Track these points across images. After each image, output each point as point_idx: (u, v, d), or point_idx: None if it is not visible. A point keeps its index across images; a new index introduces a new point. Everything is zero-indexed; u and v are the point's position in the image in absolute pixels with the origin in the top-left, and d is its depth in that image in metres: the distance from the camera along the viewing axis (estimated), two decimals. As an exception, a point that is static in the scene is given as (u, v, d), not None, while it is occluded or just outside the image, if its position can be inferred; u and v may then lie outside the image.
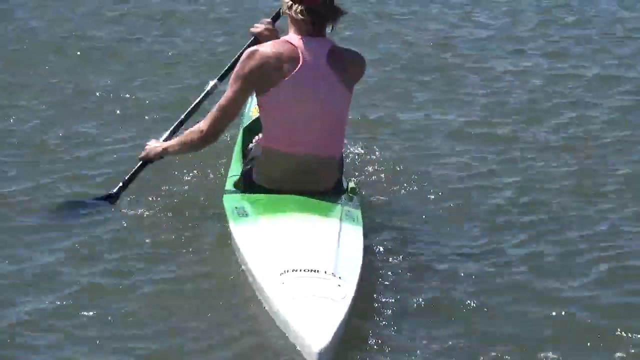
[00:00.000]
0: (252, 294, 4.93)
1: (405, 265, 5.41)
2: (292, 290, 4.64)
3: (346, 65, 5.47)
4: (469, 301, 5.01)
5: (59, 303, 4.92)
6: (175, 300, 5.01)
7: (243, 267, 5.15)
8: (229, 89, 5.51)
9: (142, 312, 4.89)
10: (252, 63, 5.39)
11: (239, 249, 5.20)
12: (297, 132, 5.47)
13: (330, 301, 4.57)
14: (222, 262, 5.38)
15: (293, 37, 5.41)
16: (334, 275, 4.76)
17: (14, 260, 5.37)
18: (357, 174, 6.64)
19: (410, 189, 6.46)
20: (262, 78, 5.41)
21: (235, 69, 5.50)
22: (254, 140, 5.94)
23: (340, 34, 7.52)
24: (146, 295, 5.06)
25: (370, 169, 6.78)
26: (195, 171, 6.54)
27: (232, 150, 6.43)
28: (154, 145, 5.94)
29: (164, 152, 5.88)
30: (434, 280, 5.27)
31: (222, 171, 6.43)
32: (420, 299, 5.03)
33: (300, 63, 5.38)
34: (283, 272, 4.77)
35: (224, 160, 6.57)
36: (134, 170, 6.06)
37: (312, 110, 5.44)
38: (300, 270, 4.77)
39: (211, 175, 6.53)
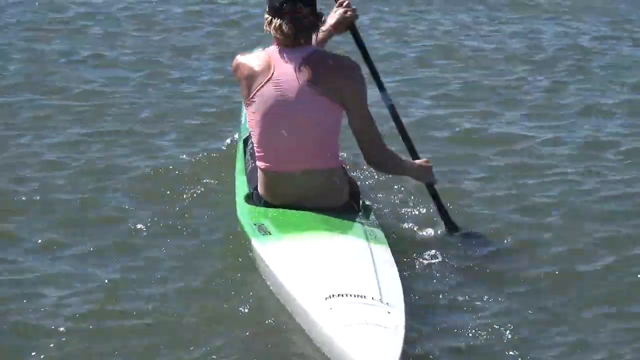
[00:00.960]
0: (287, 319, 4.68)
1: (432, 287, 5.24)
2: (343, 316, 4.40)
3: (325, 72, 5.16)
4: (511, 326, 4.86)
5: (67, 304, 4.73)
6: (202, 332, 4.76)
7: (273, 288, 4.89)
8: None
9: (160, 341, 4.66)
10: (235, 71, 5.29)
11: (270, 271, 4.93)
12: (281, 149, 5.24)
13: (384, 329, 4.34)
14: (247, 283, 5.10)
15: (272, 49, 5.21)
16: (382, 302, 4.53)
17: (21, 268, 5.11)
18: (366, 190, 6.40)
19: (421, 205, 6.24)
20: (242, 87, 5.26)
21: None
22: (249, 156, 5.74)
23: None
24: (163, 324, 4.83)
25: (375, 185, 6.55)
26: (196, 183, 6.26)
27: (233, 160, 6.18)
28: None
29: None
30: (467, 301, 5.11)
31: (227, 181, 6.16)
32: (460, 324, 4.87)
33: (270, 75, 5.16)
34: (329, 296, 4.52)
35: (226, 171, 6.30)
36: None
37: (287, 124, 5.20)
38: (348, 296, 4.53)
39: (215, 186, 6.29)
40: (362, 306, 4.48)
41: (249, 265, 5.20)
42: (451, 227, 5.78)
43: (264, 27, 5.20)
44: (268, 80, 5.14)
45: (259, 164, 5.30)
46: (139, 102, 7.94)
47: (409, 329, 4.53)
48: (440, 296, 5.13)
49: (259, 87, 5.15)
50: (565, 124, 7.65)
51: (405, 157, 5.62)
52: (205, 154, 6.82)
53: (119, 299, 4.96)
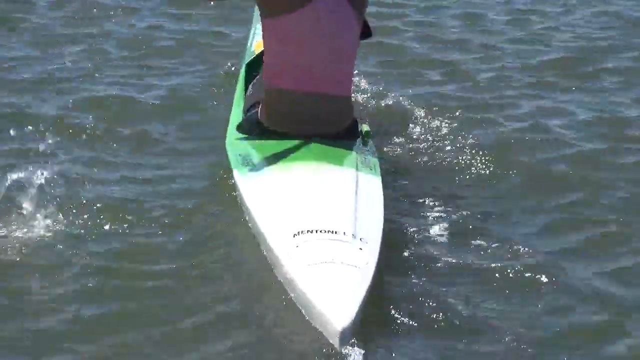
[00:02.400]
0: (263, 259, 4.37)
1: (425, 224, 4.86)
2: (308, 255, 4.08)
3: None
4: (496, 264, 4.49)
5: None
6: (176, 266, 4.46)
7: (251, 225, 4.59)
8: None
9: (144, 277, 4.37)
10: None
11: (245, 205, 4.64)
12: (302, 67, 4.96)
13: (353, 268, 4.02)
14: (228, 221, 4.80)
15: None
16: (354, 237, 4.20)
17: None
18: (370, 115, 6.04)
19: (429, 133, 5.86)
20: (267, 3, 4.95)
21: None
22: (255, 79, 5.39)
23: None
24: (148, 259, 4.52)
25: (383, 110, 6.19)
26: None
27: (233, 92, 5.87)
28: None
29: None
30: (459, 243, 4.69)
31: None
32: (445, 265, 4.50)
33: None
34: (297, 233, 4.21)
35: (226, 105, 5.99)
36: None
37: (319, 44, 4.94)
38: (317, 232, 4.21)
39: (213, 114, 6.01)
40: (331, 242, 4.16)
41: (230, 199, 4.91)
42: None
43: None
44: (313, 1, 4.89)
45: (274, 82, 5.00)
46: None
47: (385, 267, 4.22)
48: (429, 239, 4.72)
49: (302, 7, 4.89)
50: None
51: None
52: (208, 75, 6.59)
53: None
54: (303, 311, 3.95)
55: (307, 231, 4.21)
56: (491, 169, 5.44)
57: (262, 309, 4.13)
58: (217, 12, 8.10)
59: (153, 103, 6.25)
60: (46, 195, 4.70)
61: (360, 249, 4.14)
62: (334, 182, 4.70)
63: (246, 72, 5.91)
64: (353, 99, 5.44)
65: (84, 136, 5.69)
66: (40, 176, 4.70)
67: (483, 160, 5.51)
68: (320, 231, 4.21)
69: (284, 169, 4.77)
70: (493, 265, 4.46)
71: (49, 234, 4.57)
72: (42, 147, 5.10)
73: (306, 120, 5.00)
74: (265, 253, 4.37)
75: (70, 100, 6.20)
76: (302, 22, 4.90)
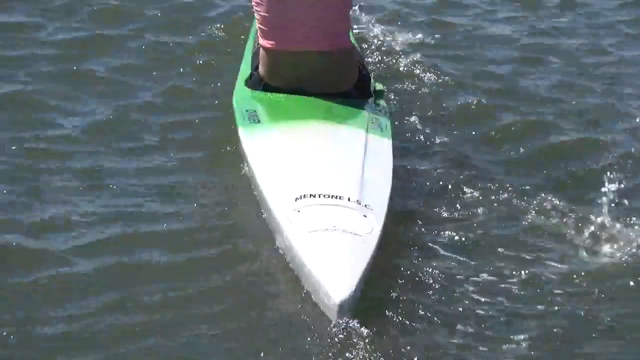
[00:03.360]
0: (264, 223, 4.18)
1: (435, 190, 4.64)
2: (309, 220, 3.89)
3: None
4: (501, 236, 4.28)
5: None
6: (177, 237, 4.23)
7: (252, 186, 4.39)
8: None
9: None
10: None
11: (248, 164, 4.44)
12: (288, 25, 4.77)
13: (355, 237, 3.82)
14: (230, 182, 4.60)
15: None
16: (359, 204, 4.00)
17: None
18: (384, 72, 5.80)
19: (448, 95, 5.61)
20: None
21: None
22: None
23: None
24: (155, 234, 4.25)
25: (400, 65, 5.94)
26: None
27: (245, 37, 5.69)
28: None
29: None
30: (468, 213, 4.46)
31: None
32: (452, 235, 4.27)
33: None
34: (299, 197, 4.01)
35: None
36: None
37: None
38: (320, 196, 4.01)
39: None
40: (334, 208, 3.96)
41: (235, 157, 4.71)
42: None
43: None
44: None
45: (265, 42, 4.83)
46: None
47: (389, 235, 4.01)
48: (438, 212, 4.45)
49: None
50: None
51: None
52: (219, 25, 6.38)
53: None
54: (301, 280, 3.76)
55: (310, 195, 4.01)
56: (510, 146, 5.12)
57: (259, 280, 3.92)
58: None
59: (165, 56, 6.05)
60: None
61: (365, 216, 3.94)
62: (340, 143, 4.50)
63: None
64: (368, 58, 5.22)
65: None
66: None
67: (504, 137, 5.22)
68: (324, 196, 4.01)
69: (290, 127, 4.58)
70: (504, 245, 4.24)
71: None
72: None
73: (305, 80, 4.80)
74: (265, 216, 4.18)
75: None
76: None
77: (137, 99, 5.44)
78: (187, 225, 4.24)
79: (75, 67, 5.72)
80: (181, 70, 5.81)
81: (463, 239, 4.24)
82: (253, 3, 4.85)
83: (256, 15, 4.86)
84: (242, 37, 6.00)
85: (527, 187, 4.66)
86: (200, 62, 5.93)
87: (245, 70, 5.22)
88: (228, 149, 4.81)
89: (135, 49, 6.06)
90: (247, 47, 5.55)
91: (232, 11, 6.77)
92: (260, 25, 4.83)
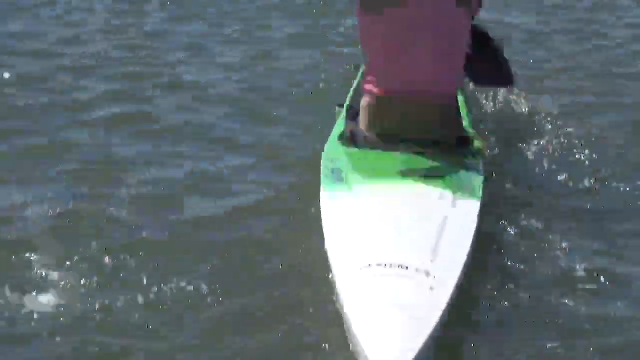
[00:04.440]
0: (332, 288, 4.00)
1: (522, 268, 4.32)
2: (369, 292, 3.67)
3: None
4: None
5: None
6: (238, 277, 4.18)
7: (325, 249, 4.21)
8: None
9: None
10: None
11: (323, 224, 4.26)
12: (402, 69, 4.63)
13: (412, 314, 3.56)
14: (306, 238, 4.45)
15: None
16: (428, 275, 3.77)
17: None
18: (486, 127, 5.54)
19: (557, 157, 5.31)
20: (366, 6, 4.68)
21: None
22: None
23: None
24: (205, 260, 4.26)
25: (506, 120, 5.68)
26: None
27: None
28: None
29: None
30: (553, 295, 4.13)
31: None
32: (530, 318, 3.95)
33: None
34: (366, 266, 3.81)
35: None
36: None
37: (419, 41, 4.61)
38: (388, 266, 3.79)
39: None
40: (398, 279, 3.74)
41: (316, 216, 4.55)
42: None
43: None
44: None
45: (373, 87, 4.70)
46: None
47: (457, 312, 3.76)
48: (524, 282, 4.17)
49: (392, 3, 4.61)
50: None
51: None
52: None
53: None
54: (354, 350, 3.55)
55: (377, 265, 3.81)
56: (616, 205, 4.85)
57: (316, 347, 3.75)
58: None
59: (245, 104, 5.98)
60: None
61: (431, 288, 3.71)
62: (423, 207, 4.29)
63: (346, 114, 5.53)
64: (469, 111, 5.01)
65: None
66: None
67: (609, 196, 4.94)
68: (391, 265, 3.80)
69: (374, 188, 4.40)
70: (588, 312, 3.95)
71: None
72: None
73: (404, 125, 4.65)
74: (333, 283, 3.99)
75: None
76: (397, 19, 4.59)
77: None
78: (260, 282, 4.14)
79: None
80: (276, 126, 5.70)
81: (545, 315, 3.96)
82: (361, 45, 4.75)
83: (366, 60, 4.73)
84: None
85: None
86: (294, 117, 5.82)
87: (339, 125, 5.08)
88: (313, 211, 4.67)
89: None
90: (334, 130, 5.39)
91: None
92: (370, 69, 4.70)
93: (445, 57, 4.65)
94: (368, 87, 4.73)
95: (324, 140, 5.02)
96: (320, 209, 4.40)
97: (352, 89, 5.69)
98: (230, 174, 5.20)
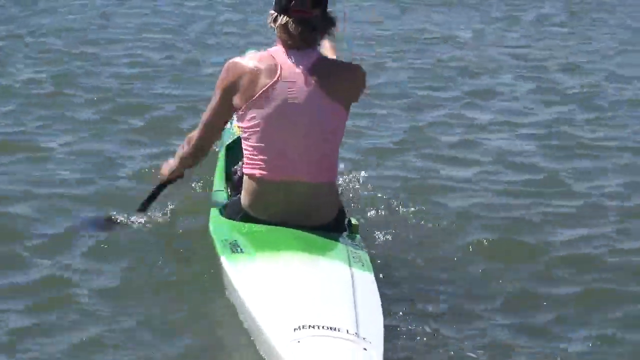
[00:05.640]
0: (252, 352, 4.12)
1: (419, 322, 4.67)
2: (311, 352, 3.85)
3: (335, 77, 4.78)
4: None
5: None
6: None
7: (243, 317, 4.34)
8: (211, 101, 4.91)
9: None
10: (229, 75, 4.79)
11: (237, 295, 4.39)
12: (280, 155, 4.76)
13: None
14: (212, 307, 4.56)
15: (276, 50, 4.78)
16: (358, 336, 3.98)
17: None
18: (352, 205, 5.85)
19: (414, 221, 5.69)
20: (238, 92, 4.76)
21: (217, 81, 4.87)
22: (239, 164, 5.20)
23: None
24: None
25: (365, 198, 6.00)
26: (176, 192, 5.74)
27: (213, 168, 5.66)
28: (164, 167, 5.39)
29: (173, 173, 5.33)
30: (455, 338, 4.53)
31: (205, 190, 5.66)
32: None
33: (277, 76, 4.70)
34: (298, 327, 3.97)
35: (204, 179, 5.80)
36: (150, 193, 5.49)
37: (294, 129, 4.74)
38: (320, 328, 3.98)
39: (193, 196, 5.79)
40: (334, 340, 3.93)
41: (217, 286, 4.66)
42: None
43: (268, 23, 4.79)
44: (275, 82, 4.69)
45: (253, 171, 4.80)
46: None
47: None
48: (428, 332, 4.55)
49: (264, 89, 4.70)
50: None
51: None
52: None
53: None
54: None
55: (309, 326, 3.98)
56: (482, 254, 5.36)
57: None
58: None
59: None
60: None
61: (365, 349, 3.92)
62: (328, 275, 4.48)
63: (226, 153, 5.75)
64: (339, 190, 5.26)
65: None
66: None
67: (476, 250, 5.44)
68: (323, 327, 3.98)
69: (275, 258, 4.55)
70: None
71: None
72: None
73: (288, 212, 4.79)
74: (259, 346, 4.12)
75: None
76: (266, 109, 4.73)
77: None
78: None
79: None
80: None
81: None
82: (241, 131, 4.85)
83: (244, 144, 4.86)
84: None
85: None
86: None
87: (218, 194, 5.22)
88: (206, 277, 4.77)
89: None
90: (217, 173, 5.55)
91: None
92: (249, 154, 4.82)
93: (322, 148, 4.78)
94: (248, 170, 4.83)
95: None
96: (223, 276, 4.54)
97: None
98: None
